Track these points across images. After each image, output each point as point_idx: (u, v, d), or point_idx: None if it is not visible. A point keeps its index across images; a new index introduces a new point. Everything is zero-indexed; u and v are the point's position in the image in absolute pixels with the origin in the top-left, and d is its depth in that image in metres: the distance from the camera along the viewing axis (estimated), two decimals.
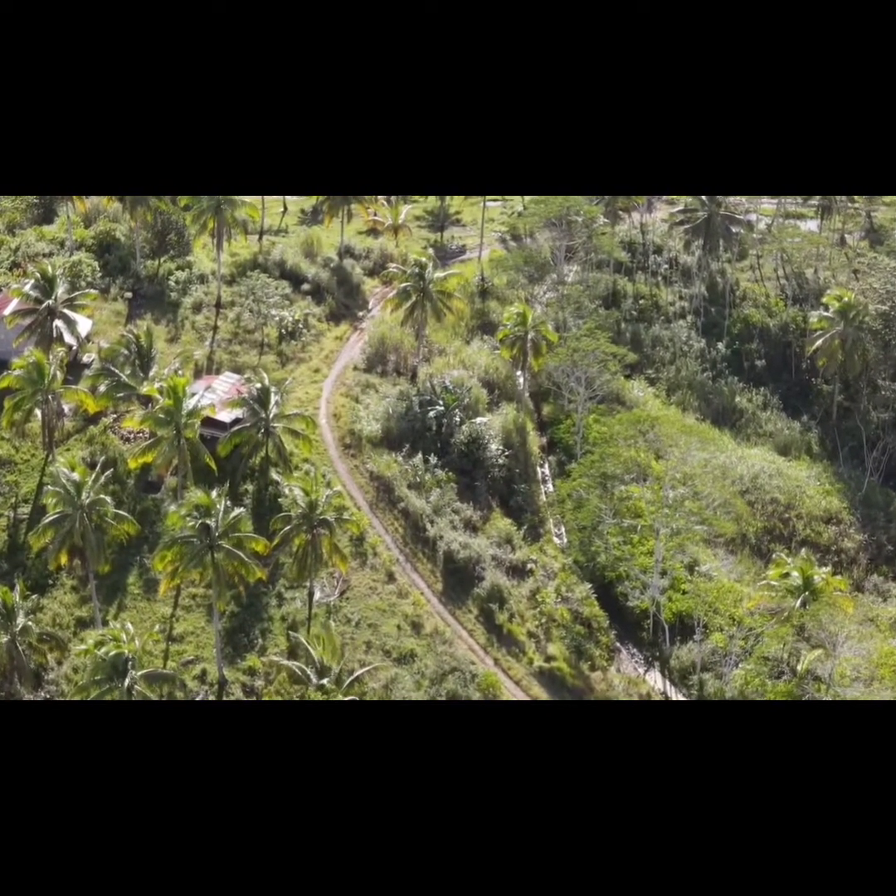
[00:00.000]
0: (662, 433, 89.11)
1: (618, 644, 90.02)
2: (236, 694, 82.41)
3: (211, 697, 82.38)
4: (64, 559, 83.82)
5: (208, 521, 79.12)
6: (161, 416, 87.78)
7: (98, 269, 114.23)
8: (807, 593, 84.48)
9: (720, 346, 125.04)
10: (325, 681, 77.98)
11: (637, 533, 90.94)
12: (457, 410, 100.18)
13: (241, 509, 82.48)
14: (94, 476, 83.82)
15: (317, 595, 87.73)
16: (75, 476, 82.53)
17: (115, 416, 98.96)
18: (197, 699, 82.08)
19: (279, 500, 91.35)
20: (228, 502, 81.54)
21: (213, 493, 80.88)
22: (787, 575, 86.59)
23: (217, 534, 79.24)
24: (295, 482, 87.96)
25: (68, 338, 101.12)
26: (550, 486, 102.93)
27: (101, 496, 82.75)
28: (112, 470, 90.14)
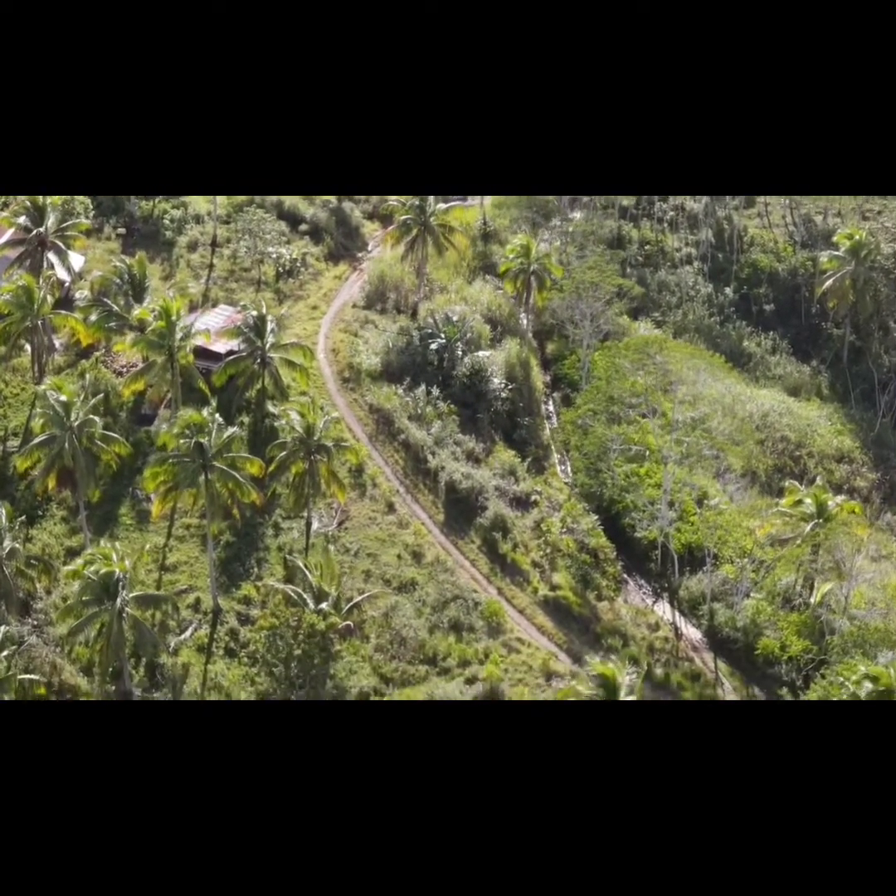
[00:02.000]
0: (670, 357, 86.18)
1: (625, 575, 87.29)
2: (231, 623, 79.69)
3: (205, 626, 79.68)
4: (52, 483, 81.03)
5: (202, 440, 76.38)
6: (153, 339, 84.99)
7: (91, 207, 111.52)
8: (820, 520, 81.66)
9: (728, 290, 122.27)
10: (323, 605, 75.33)
11: (645, 460, 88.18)
12: (459, 343, 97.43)
13: (235, 429, 79.66)
14: (82, 397, 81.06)
15: (315, 525, 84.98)
16: (63, 397, 79.76)
17: (106, 349, 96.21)
18: (190, 628, 79.45)
19: (276, 429, 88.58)
20: (221, 420, 78.66)
21: (205, 412, 78.09)
22: (799, 502, 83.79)
23: (211, 454, 76.54)
24: (291, 406, 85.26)
25: (60, 271, 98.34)
26: (555, 422, 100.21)
27: (91, 417, 79.96)
28: (104, 403, 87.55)
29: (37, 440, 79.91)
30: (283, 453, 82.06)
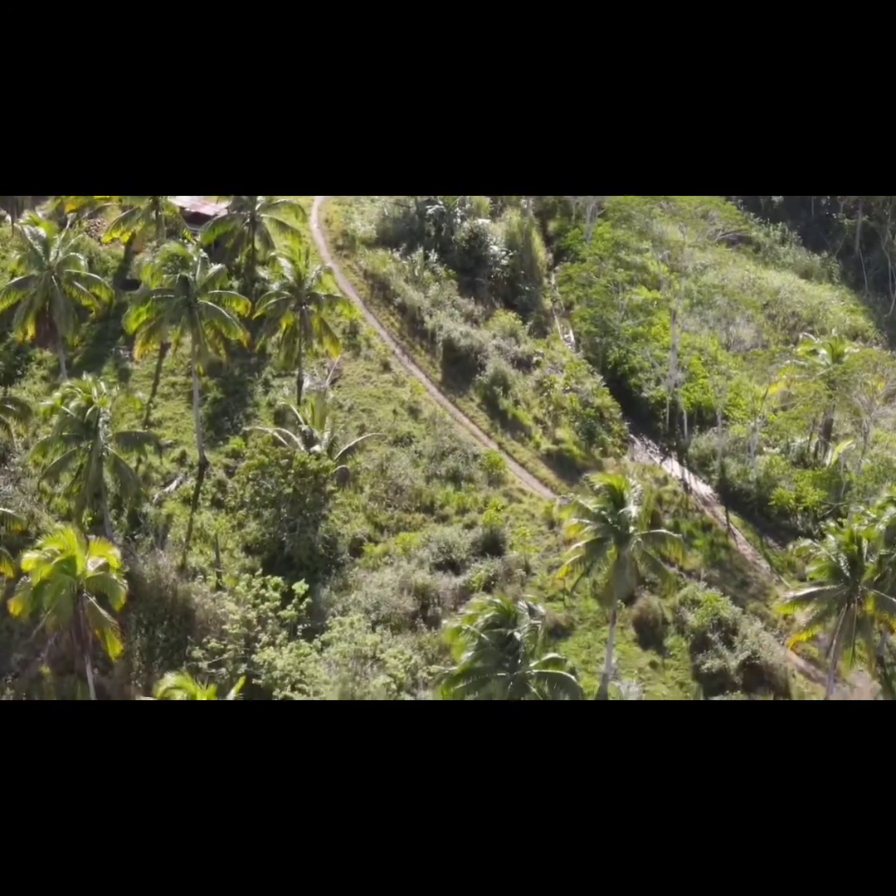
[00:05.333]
0: (682, 203, 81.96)
1: (631, 436, 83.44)
2: (218, 475, 75.84)
3: (190, 479, 75.77)
4: (31, 329, 76.96)
5: (186, 275, 72.46)
6: None
7: None
8: (835, 367, 77.85)
9: None
10: (315, 448, 71.49)
11: (653, 310, 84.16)
12: (457, 210, 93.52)
13: (221, 265, 75.64)
14: (63, 237, 77.06)
15: (307, 383, 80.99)
16: (42, 232, 75.81)
17: (91, 214, 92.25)
18: (175, 480, 75.61)
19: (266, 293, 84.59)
20: (205, 255, 74.68)
21: (190, 247, 74.18)
22: (814, 352, 79.98)
23: (196, 289, 72.64)
24: (281, 253, 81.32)
25: None
26: (557, 294, 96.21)
27: (72, 255, 76.04)
28: (88, 269, 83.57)
29: (13, 281, 75.99)
30: (273, 302, 78.16)
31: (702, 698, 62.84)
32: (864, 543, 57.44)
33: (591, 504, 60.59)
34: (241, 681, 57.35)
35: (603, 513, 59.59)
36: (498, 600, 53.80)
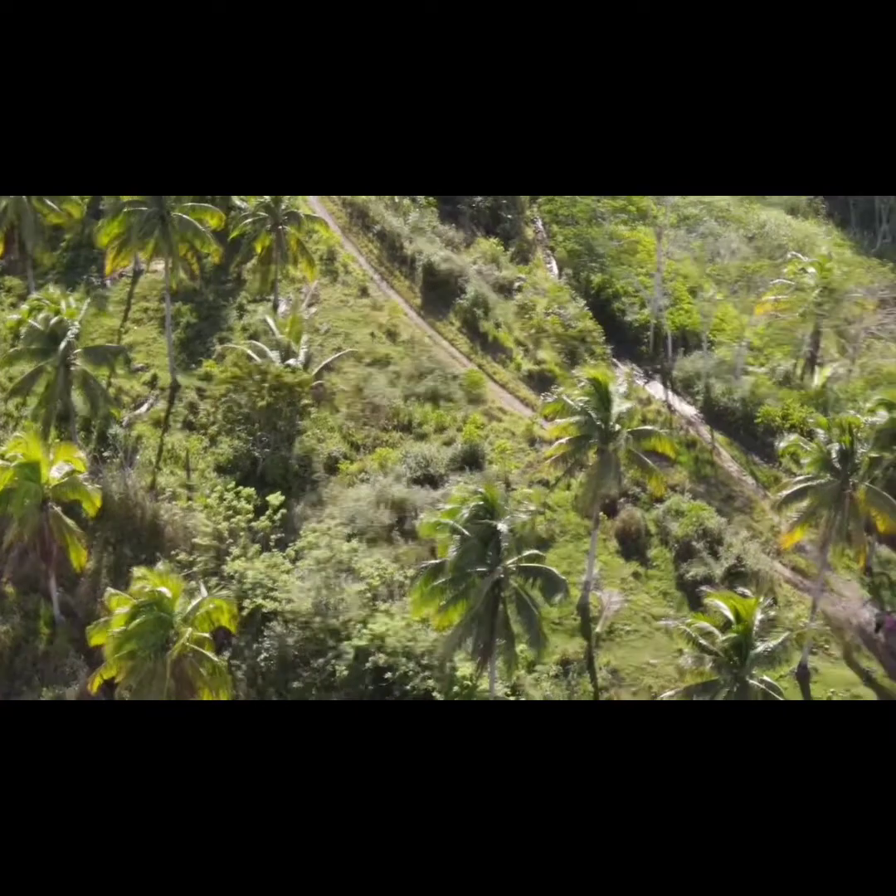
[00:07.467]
0: None
1: (615, 361, 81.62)
2: (190, 397, 73.81)
3: (162, 402, 73.77)
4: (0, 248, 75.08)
5: None
6: None
7: None
8: (824, 290, 76.17)
9: None
10: (291, 361, 69.50)
11: (636, 226, 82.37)
12: None
13: None
14: None
15: (282, 308, 79.02)
16: None
17: None
18: (146, 403, 73.60)
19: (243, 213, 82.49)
20: None
21: None
22: (804, 271, 78.26)
23: (169, 201, 70.59)
24: None
25: None
26: (540, 224, 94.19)
27: None
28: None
29: None
30: (249, 221, 76.12)
31: (685, 606, 61.10)
32: (856, 433, 55.50)
33: (575, 396, 58.74)
34: (223, 585, 55.45)
35: (587, 408, 57.74)
36: (482, 489, 51.78)
